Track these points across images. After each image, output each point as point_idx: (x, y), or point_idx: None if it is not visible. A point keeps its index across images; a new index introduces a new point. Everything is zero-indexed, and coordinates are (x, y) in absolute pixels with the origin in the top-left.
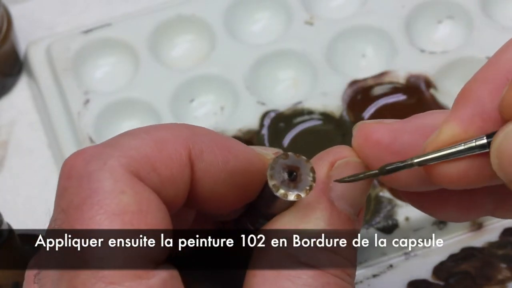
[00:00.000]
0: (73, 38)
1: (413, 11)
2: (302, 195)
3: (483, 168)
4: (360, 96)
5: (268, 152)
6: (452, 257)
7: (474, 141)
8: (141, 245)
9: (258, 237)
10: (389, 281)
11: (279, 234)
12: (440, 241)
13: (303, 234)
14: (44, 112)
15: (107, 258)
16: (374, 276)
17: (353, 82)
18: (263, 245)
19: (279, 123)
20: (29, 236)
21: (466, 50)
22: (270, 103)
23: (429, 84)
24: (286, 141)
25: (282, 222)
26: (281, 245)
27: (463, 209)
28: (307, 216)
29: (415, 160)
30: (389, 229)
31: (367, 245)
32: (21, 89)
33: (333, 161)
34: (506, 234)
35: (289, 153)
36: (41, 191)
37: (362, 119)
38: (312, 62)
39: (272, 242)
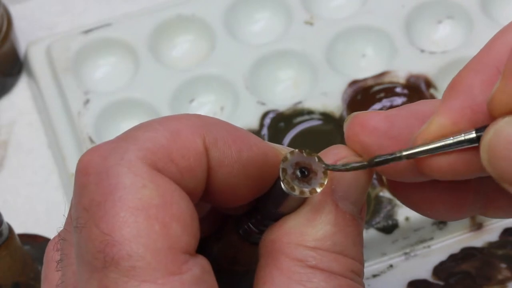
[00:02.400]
0: (73, 38)
1: (413, 11)
2: (310, 193)
3: (473, 160)
4: (360, 96)
5: (283, 148)
6: (452, 257)
7: (463, 135)
8: (170, 237)
9: (266, 241)
10: (389, 281)
11: (286, 238)
12: (440, 241)
13: (311, 237)
14: (44, 112)
15: (136, 255)
16: (374, 276)
17: (353, 82)
18: (269, 250)
19: (279, 123)
20: (29, 236)
21: (466, 50)
22: (270, 103)
23: (429, 84)
24: (286, 141)
25: (289, 226)
26: (289, 249)
27: (451, 206)
28: (313, 219)
29: (404, 153)
30: (389, 229)
31: (367, 245)
32: (21, 89)
33: (333, 162)
34: (506, 234)
35: (303, 150)
36: (41, 191)
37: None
38: (312, 62)
39: (280, 247)
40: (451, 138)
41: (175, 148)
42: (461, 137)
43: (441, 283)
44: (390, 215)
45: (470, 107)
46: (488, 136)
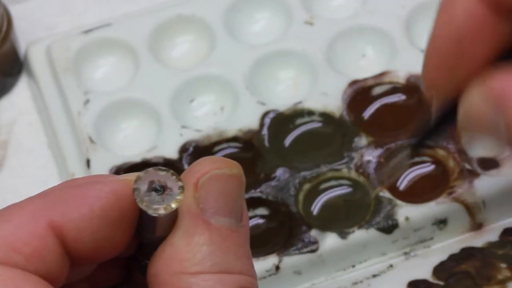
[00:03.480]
0: (73, 38)
1: (413, 11)
2: (167, 208)
3: None
4: (360, 96)
5: (133, 175)
6: (452, 257)
7: None
8: None
9: (150, 276)
10: (389, 281)
11: (167, 269)
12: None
13: (190, 263)
14: (44, 112)
15: None
16: (374, 276)
17: (353, 82)
18: (156, 284)
19: (279, 123)
20: None
21: None
22: (270, 103)
23: None
24: (287, 141)
25: (167, 256)
26: (172, 280)
27: None
28: (188, 244)
29: None
30: (389, 229)
31: (367, 245)
32: (21, 89)
33: (196, 181)
34: (506, 234)
35: (148, 169)
36: (41, 191)
37: (362, 119)
38: (312, 62)
39: (163, 279)
40: None
41: (15, 237)
42: None
43: (441, 283)
44: (390, 215)
45: None
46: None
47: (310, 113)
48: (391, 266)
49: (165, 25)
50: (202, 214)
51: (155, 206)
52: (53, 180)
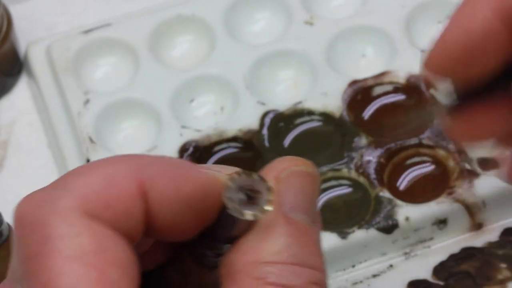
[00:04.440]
0: (73, 38)
1: (413, 11)
2: (261, 213)
3: None
4: (360, 96)
5: (223, 173)
6: (452, 257)
7: None
8: (108, 283)
9: (225, 265)
10: (389, 281)
11: (244, 258)
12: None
13: (267, 252)
14: (44, 112)
15: None
16: (374, 276)
17: (353, 82)
18: (229, 273)
19: (279, 123)
20: None
21: None
22: (270, 103)
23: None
24: (287, 141)
25: (245, 246)
26: (247, 269)
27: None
28: (267, 235)
29: None
30: (389, 229)
31: (367, 245)
32: (21, 89)
33: (277, 175)
34: (506, 234)
35: (243, 172)
36: None
37: (362, 119)
38: (312, 62)
39: (239, 268)
40: None
41: (110, 193)
42: None
43: (441, 283)
44: (390, 215)
45: None
46: None
47: (310, 113)
48: (391, 266)
49: (165, 25)
50: (281, 208)
51: (252, 212)
52: (53, 180)
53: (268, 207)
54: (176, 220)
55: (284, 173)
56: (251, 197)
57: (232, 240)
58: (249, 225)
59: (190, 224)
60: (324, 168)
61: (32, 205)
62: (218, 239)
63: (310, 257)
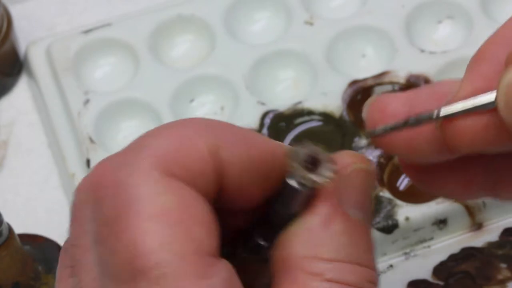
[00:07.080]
0: (73, 38)
1: (413, 11)
2: (323, 180)
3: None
4: (360, 96)
5: (287, 146)
6: (452, 257)
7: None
8: (194, 241)
9: (278, 257)
10: (389, 281)
11: (300, 252)
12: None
13: (326, 249)
14: (44, 112)
15: (164, 263)
16: None
17: (353, 82)
18: (283, 266)
19: (279, 123)
20: (29, 236)
21: (466, 50)
22: (270, 103)
23: (429, 84)
24: (287, 141)
25: (301, 240)
26: (304, 264)
27: (464, 185)
28: (325, 231)
29: (442, 110)
30: (389, 229)
31: None
32: (21, 89)
33: (341, 170)
34: (506, 234)
35: (307, 142)
36: (41, 191)
37: (362, 119)
38: (312, 62)
39: (295, 262)
40: (488, 93)
41: (186, 153)
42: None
43: (441, 283)
44: (390, 215)
45: (498, 72)
46: (506, 77)
47: (310, 113)
48: (391, 266)
49: (165, 25)
50: (340, 204)
51: (314, 179)
52: (53, 180)
53: (330, 175)
54: (244, 183)
55: (348, 169)
56: (315, 166)
57: (288, 221)
58: (306, 202)
59: (256, 190)
60: None
61: (111, 167)
62: (276, 220)
63: (365, 255)
